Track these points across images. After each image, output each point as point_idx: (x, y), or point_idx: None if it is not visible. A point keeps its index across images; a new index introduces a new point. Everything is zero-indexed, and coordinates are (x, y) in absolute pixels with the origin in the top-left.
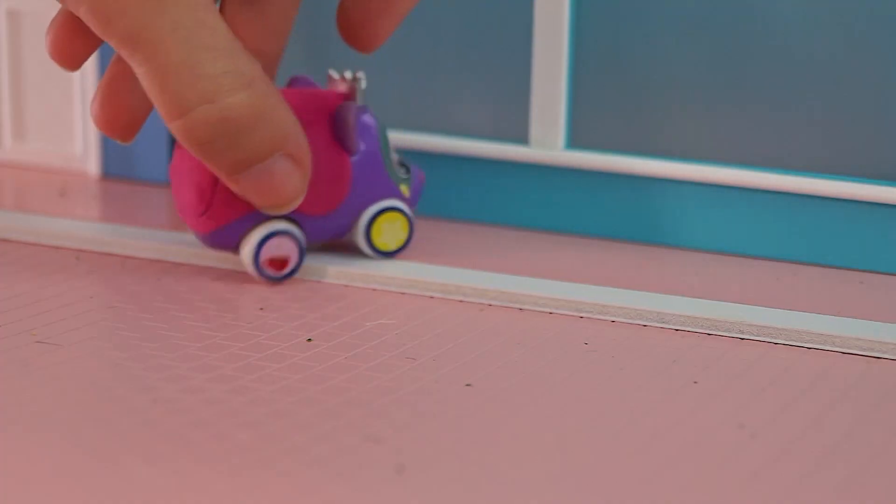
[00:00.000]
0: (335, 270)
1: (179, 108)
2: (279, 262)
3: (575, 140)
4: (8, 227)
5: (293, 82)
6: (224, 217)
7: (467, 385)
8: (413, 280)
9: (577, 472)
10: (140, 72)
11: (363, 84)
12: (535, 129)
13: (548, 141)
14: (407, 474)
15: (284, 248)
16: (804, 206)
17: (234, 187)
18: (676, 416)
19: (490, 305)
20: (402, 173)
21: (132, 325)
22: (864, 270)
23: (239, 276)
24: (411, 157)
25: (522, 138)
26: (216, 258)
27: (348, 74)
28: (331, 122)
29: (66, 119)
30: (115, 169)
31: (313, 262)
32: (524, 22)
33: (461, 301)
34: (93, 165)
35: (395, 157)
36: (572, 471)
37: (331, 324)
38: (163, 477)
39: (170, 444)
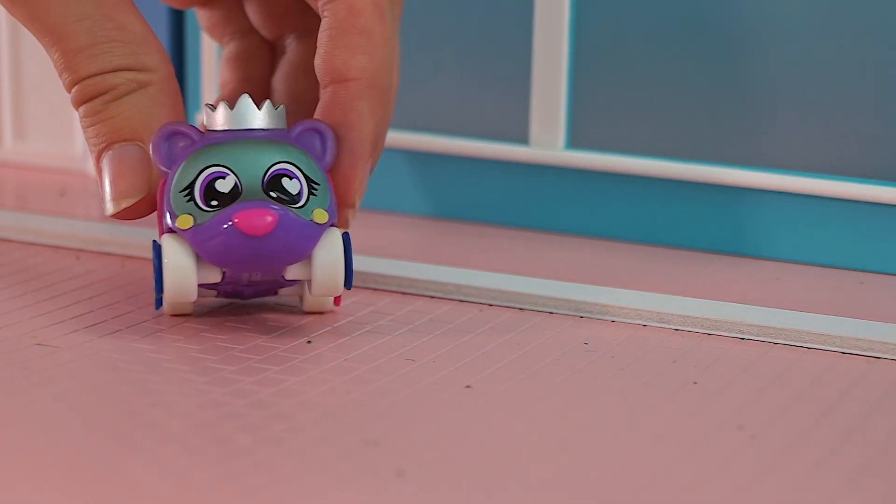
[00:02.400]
0: None
1: (76, 78)
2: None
3: (575, 140)
4: (8, 227)
5: None
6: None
7: (467, 386)
8: (413, 280)
9: (578, 473)
10: (47, 52)
11: (210, 111)
12: (535, 129)
13: (548, 141)
14: (407, 477)
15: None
16: (804, 206)
17: (96, 171)
18: (676, 416)
19: (490, 305)
20: (200, 204)
21: (132, 326)
22: (864, 270)
23: None
24: (412, 157)
25: (522, 138)
26: None
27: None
28: None
29: (66, 119)
30: None
31: None
32: (524, 22)
33: (461, 301)
34: (92, 166)
35: (213, 185)
36: (572, 471)
37: (330, 325)
38: (162, 480)
39: (169, 447)
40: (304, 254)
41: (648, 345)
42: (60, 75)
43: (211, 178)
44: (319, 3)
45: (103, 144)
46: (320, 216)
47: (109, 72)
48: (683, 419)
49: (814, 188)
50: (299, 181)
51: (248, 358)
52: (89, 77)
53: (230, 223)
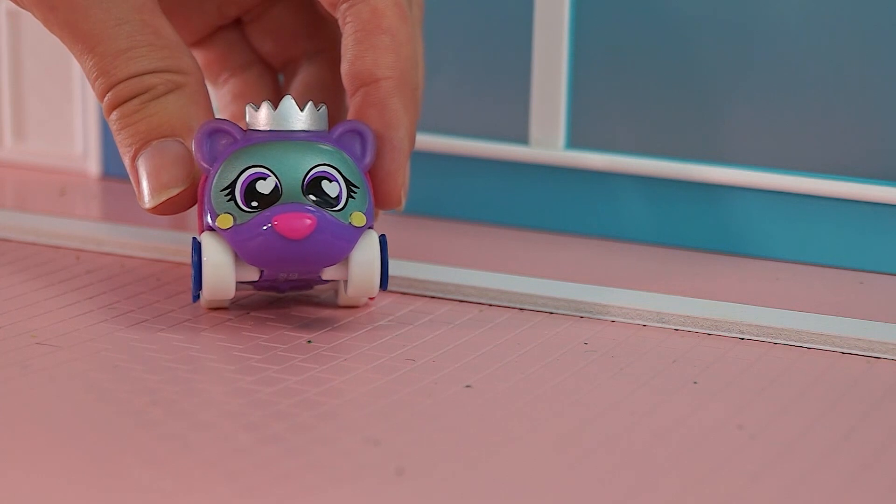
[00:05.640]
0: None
1: (110, 83)
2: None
3: (575, 140)
4: (8, 227)
5: None
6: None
7: (467, 386)
8: (413, 280)
9: (578, 473)
10: (79, 60)
11: (250, 115)
12: (535, 129)
13: (548, 141)
14: (407, 476)
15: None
16: (804, 206)
17: (130, 171)
18: (676, 416)
19: (490, 305)
20: (240, 204)
21: (131, 326)
22: (864, 270)
23: None
24: (412, 156)
25: (522, 138)
26: None
27: None
28: None
29: (66, 119)
30: (115, 169)
31: None
32: (524, 22)
33: (461, 301)
34: (93, 165)
35: (254, 186)
36: (572, 471)
37: (330, 325)
38: (162, 479)
39: (169, 447)
40: (340, 257)
41: (648, 345)
42: (94, 81)
43: (252, 178)
44: (340, 10)
45: (141, 142)
46: (358, 219)
47: (147, 73)
48: (683, 419)
49: (814, 188)
50: (339, 184)
51: (248, 357)
52: (127, 79)
53: (269, 225)
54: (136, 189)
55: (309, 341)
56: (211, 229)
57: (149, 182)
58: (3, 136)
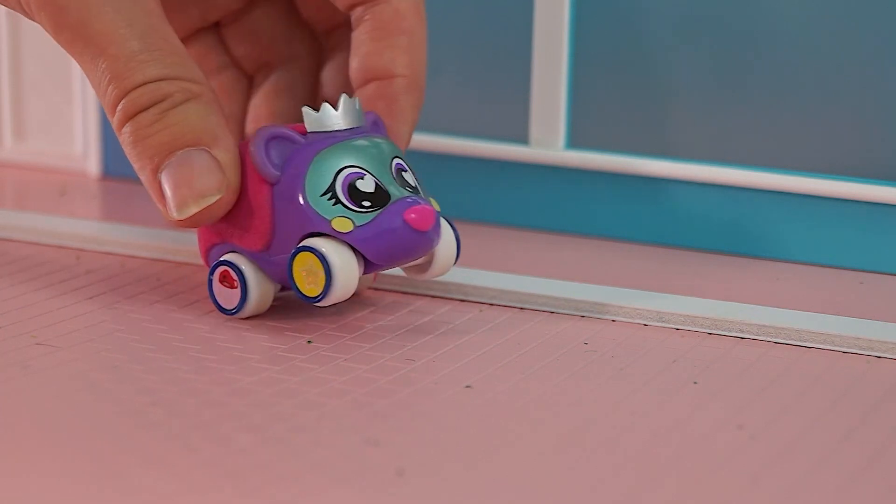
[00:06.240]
0: None
1: (121, 93)
2: (227, 295)
3: (575, 140)
4: (8, 227)
5: None
6: (208, 239)
7: (467, 386)
8: (413, 280)
9: (578, 473)
10: (89, 67)
11: (313, 113)
12: (535, 129)
13: (548, 141)
14: (407, 477)
15: (227, 280)
16: (804, 206)
17: (151, 185)
18: (676, 416)
19: (490, 305)
20: (351, 206)
21: (132, 326)
22: (864, 270)
23: None
24: (412, 157)
25: (522, 138)
26: None
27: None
28: None
29: (66, 119)
30: (115, 169)
31: None
32: (524, 22)
33: (461, 301)
34: (93, 165)
35: (355, 185)
36: (573, 472)
37: (330, 325)
38: (162, 480)
39: (169, 447)
40: (440, 241)
41: (648, 345)
42: (106, 88)
43: (351, 178)
44: (357, 11)
45: (164, 154)
46: (436, 203)
47: (162, 79)
48: (683, 419)
49: (814, 188)
50: (412, 172)
51: (247, 358)
52: (142, 85)
53: (401, 222)
54: (158, 202)
55: (309, 341)
56: (310, 235)
57: (177, 193)
58: (3, 136)
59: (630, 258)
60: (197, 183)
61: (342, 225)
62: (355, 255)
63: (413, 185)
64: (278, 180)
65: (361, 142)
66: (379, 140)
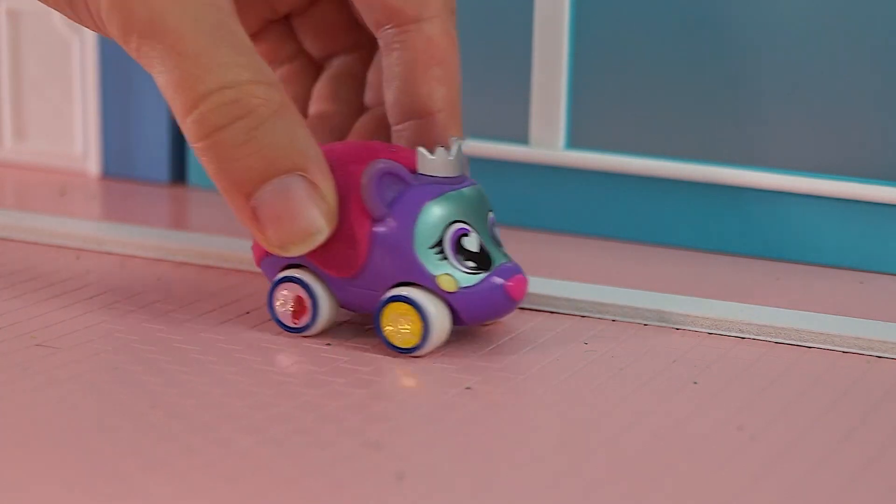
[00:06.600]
0: None
1: (196, 96)
2: (293, 312)
3: (575, 140)
4: (8, 227)
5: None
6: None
7: (467, 388)
8: None
9: (578, 474)
10: (158, 70)
11: (429, 156)
12: (535, 129)
13: (548, 141)
14: (407, 481)
15: (296, 297)
16: (804, 206)
17: (243, 212)
18: (676, 416)
19: None
20: (456, 264)
21: (132, 327)
22: (863, 270)
23: (240, 278)
24: None
25: (522, 138)
26: (216, 258)
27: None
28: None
29: (66, 119)
30: (115, 169)
31: None
32: (524, 22)
33: None
34: (93, 165)
35: (461, 243)
36: (572, 472)
37: (330, 326)
38: (162, 482)
39: (169, 449)
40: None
41: (648, 345)
42: (175, 91)
43: (458, 235)
44: (386, 33)
45: (257, 181)
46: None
47: (240, 84)
48: (683, 419)
49: (814, 188)
50: (497, 230)
51: (247, 360)
52: (218, 90)
53: (501, 290)
54: (256, 233)
55: (328, 345)
56: (402, 282)
57: (280, 230)
58: (3, 136)
59: (630, 258)
60: (301, 218)
61: (448, 284)
62: (449, 311)
63: (499, 239)
64: (384, 218)
65: (468, 193)
66: (480, 192)
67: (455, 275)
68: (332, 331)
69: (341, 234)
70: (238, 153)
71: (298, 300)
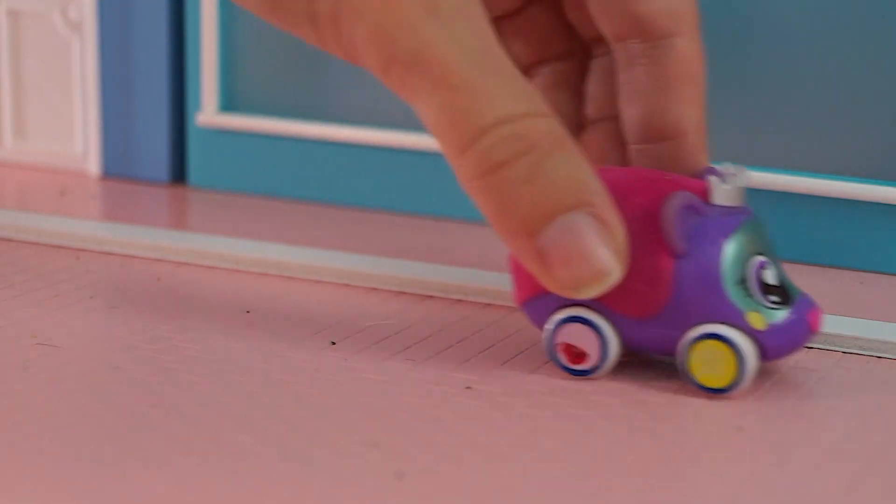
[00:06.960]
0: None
1: (473, 130)
2: (575, 354)
3: None
4: (8, 227)
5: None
6: (532, 288)
7: (467, 387)
8: (412, 280)
9: (578, 475)
10: (426, 104)
11: (723, 185)
12: None
13: None
14: (407, 480)
15: (583, 339)
16: (804, 206)
17: (528, 253)
18: (676, 416)
19: (490, 305)
20: (761, 300)
21: (132, 326)
22: (864, 270)
23: (240, 278)
24: (413, 157)
25: None
26: (217, 258)
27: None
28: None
29: (66, 119)
30: (115, 169)
31: (311, 262)
32: None
33: (461, 301)
34: (93, 165)
35: (761, 277)
36: (572, 473)
37: (329, 327)
38: (162, 481)
39: (170, 448)
40: None
41: None
42: (447, 126)
43: (760, 269)
44: (631, 47)
45: (543, 220)
46: None
47: (519, 117)
48: (683, 419)
49: (814, 188)
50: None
51: (248, 359)
52: (496, 125)
53: (807, 325)
54: (542, 275)
55: (332, 342)
56: (706, 321)
57: (572, 271)
58: (3, 136)
59: None
60: (593, 258)
61: (757, 321)
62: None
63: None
64: (685, 253)
65: (759, 224)
66: (763, 221)
67: (762, 311)
68: (337, 330)
69: (635, 272)
70: (522, 191)
71: (585, 341)
